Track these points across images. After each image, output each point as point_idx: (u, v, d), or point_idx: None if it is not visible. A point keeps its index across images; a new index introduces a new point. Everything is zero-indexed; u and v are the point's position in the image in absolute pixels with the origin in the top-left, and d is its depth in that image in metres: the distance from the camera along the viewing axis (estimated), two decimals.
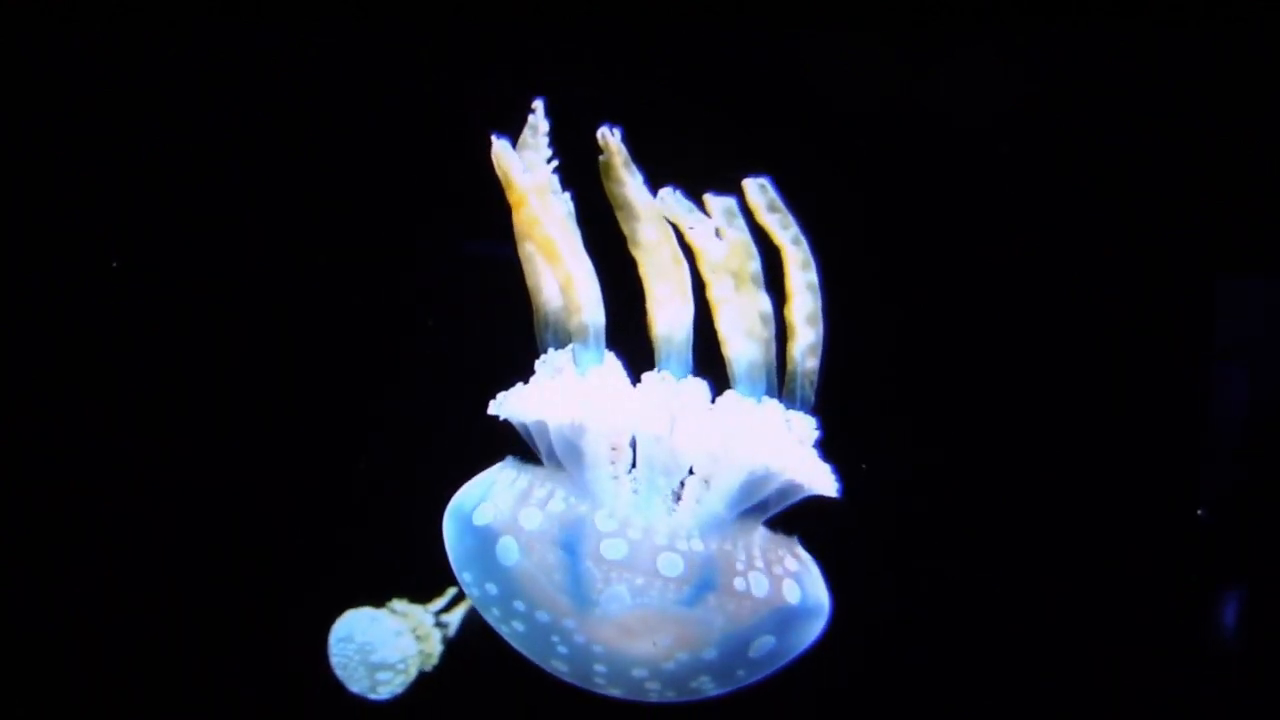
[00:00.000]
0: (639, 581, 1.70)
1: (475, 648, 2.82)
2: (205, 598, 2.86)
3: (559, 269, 1.76)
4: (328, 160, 2.68)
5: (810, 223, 1.82)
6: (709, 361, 1.79)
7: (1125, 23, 2.49)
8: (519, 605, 1.78)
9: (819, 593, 1.83)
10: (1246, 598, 2.70)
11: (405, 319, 2.77)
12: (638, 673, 1.79)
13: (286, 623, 2.85)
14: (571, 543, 1.70)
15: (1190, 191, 2.59)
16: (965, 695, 2.74)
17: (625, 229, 1.69)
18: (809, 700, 2.51)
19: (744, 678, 1.84)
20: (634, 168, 1.68)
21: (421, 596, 2.90)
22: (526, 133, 1.81)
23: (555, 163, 1.83)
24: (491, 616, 1.85)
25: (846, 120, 2.46)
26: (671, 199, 1.71)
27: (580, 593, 1.72)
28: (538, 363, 1.85)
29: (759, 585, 1.74)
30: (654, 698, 1.83)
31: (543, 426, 1.77)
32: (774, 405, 1.78)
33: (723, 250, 1.71)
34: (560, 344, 1.85)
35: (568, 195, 1.85)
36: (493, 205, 1.84)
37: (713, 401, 1.77)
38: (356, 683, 2.82)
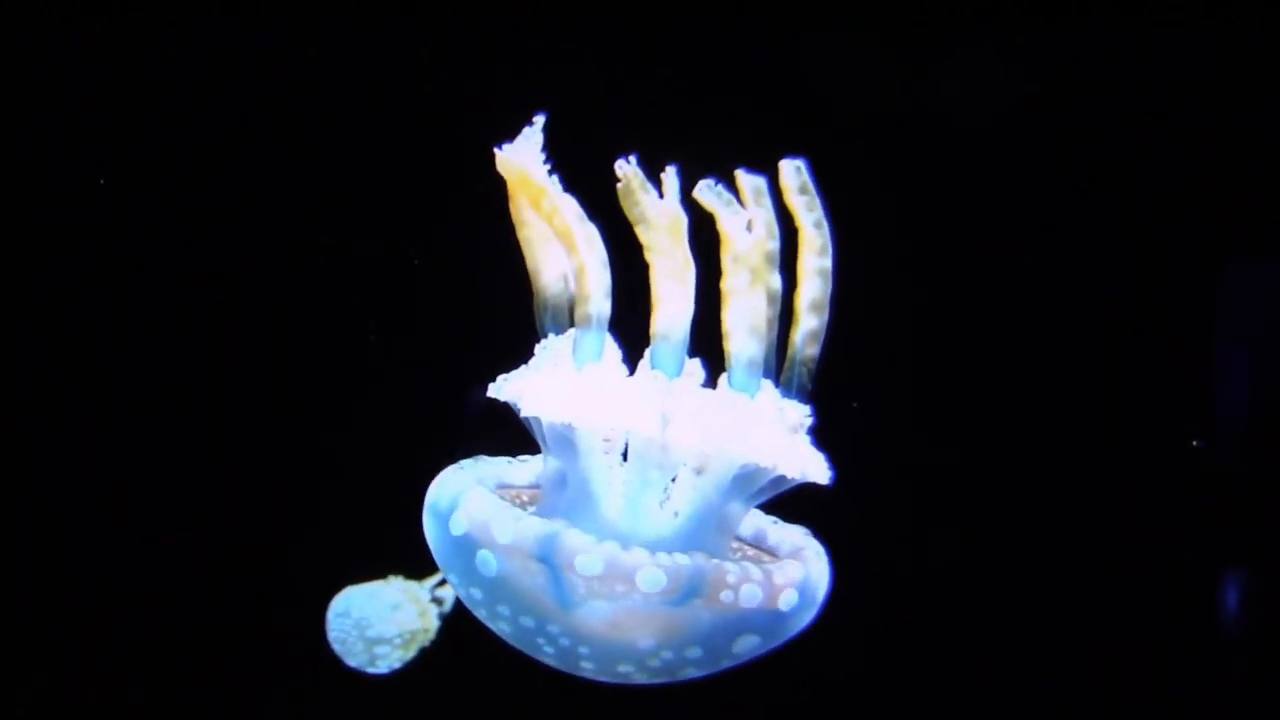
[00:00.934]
0: (619, 589, 1.70)
1: (472, 622, 2.84)
2: (203, 574, 2.87)
3: (575, 257, 1.76)
4: (325, 157, 2.67)
5: None
6: (706, 342, 1.78)
7: (1125, 23, 2.49)
8: (503, 610, 1.78)
9: (815, 593, 1.84)
10: (1250, 583, 2.72)
11: (401, 299, 2.78)
12: (624, 668, 1.79)
13: (284, 599, 2.86)
14: (548, 556, 1.70)
15: (1191, 179, 2.59)
16: (958, 679, 2.77)
17: (644, 238, 1.69)
18: (796, 677, 2.52)
19: (730, 666, 1.85)
20: (650, 186, 1.67)
21: (418, 572, 2.91)
22: (522, 140, 1.81)
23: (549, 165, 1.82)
24: (479, 615, 1.85)
25: (846, 120, 2.46)
26: (710, 192, 1.70)
27: (564, 600, 1.72)
28: (538, 347, 1.85)
29: (750, 596, 1.75)
30: (641, 682, 1.84)
31: (538, 417, 1.78)
32: (768, 394, 1.78)
33: (748, 243, 1.70)
34: (558, 328, 1.85)
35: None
36: (485, 199, 1.84)
37: (710, 385, 1.78)
38: (354, 657, 2.84)
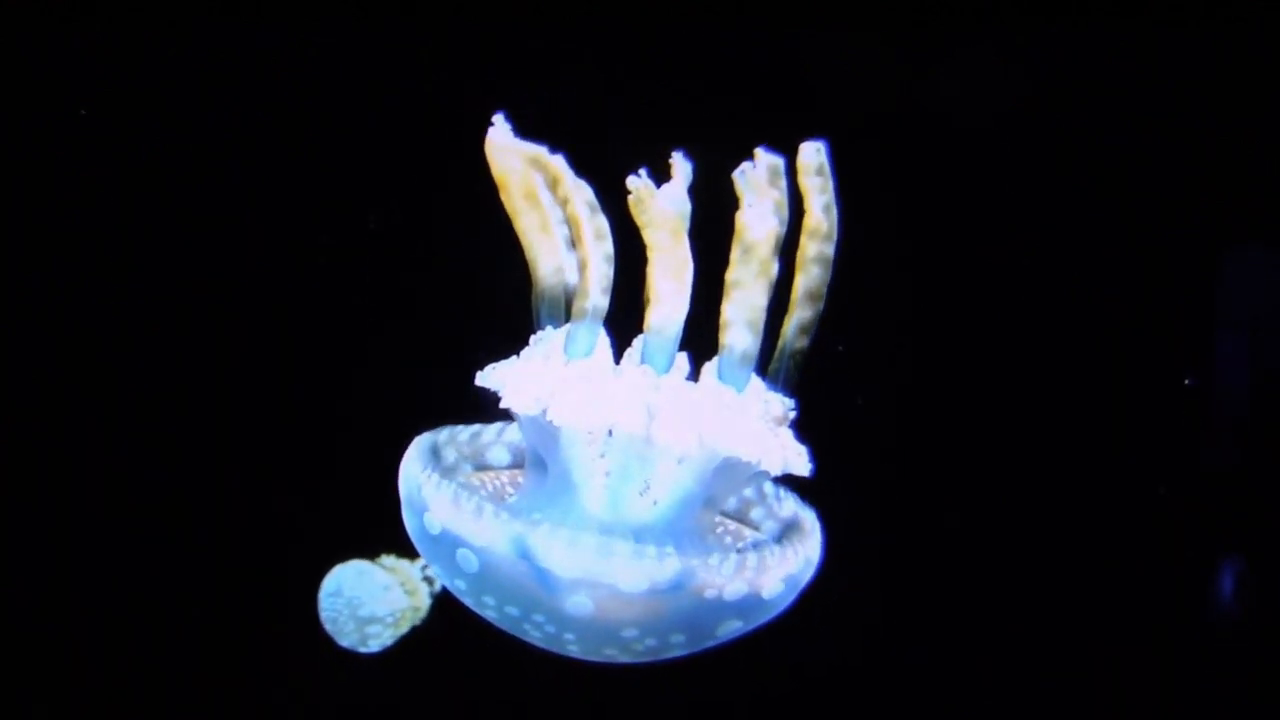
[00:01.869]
0: (602, 585, 1.71)
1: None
2: (192, 558, 2.87)
3: (581, 250, 1.76)
4: (323, 156, 2.67)
5: None
6: (695, 326, 1.78)
7: (1125, 23, 2.48)
8: (489, 600, 1.79)
9: (795, 577, 1.84)
10: (1247, 569, 2.73)
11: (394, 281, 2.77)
12: (609, 651, 1.81)
13: (275, 579, 2.86)
14: (526, 555, 1.70)
15: (1189, 173, 2.60)
16: (948, 669, 2.79)
17: (648, 238, 1.68)
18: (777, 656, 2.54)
19: (713, 646, 1.86)
20: (657, 193, 1.66)
21: (409, 551, 2.91)
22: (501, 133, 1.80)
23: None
24: (465, 602, 1.86)
25: (847, 120, 2.45)
26: (746, 175, 1.69)
27: (548, 590, 1.73)
28: (533, 338, 1.85)
29: (733, 588, 1.75)
30: (627, 662, 1.85)
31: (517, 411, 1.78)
32: (755, 388, 1.78)
33: (763, 236, 1.70)
34: (554, 320, 1.85)
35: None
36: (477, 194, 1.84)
37: (694, 374, 1.77)
38: (346, 637, 2.84)
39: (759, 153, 1.74)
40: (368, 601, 2.80)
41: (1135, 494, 2.71)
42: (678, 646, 1.80)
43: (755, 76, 2.52)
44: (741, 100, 2.52)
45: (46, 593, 2.88)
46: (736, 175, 1.68)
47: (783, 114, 2.46)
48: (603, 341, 1.78)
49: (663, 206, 1.63)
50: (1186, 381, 2.67)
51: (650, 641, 1.77)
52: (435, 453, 1.94)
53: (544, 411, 1.70)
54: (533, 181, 1.79)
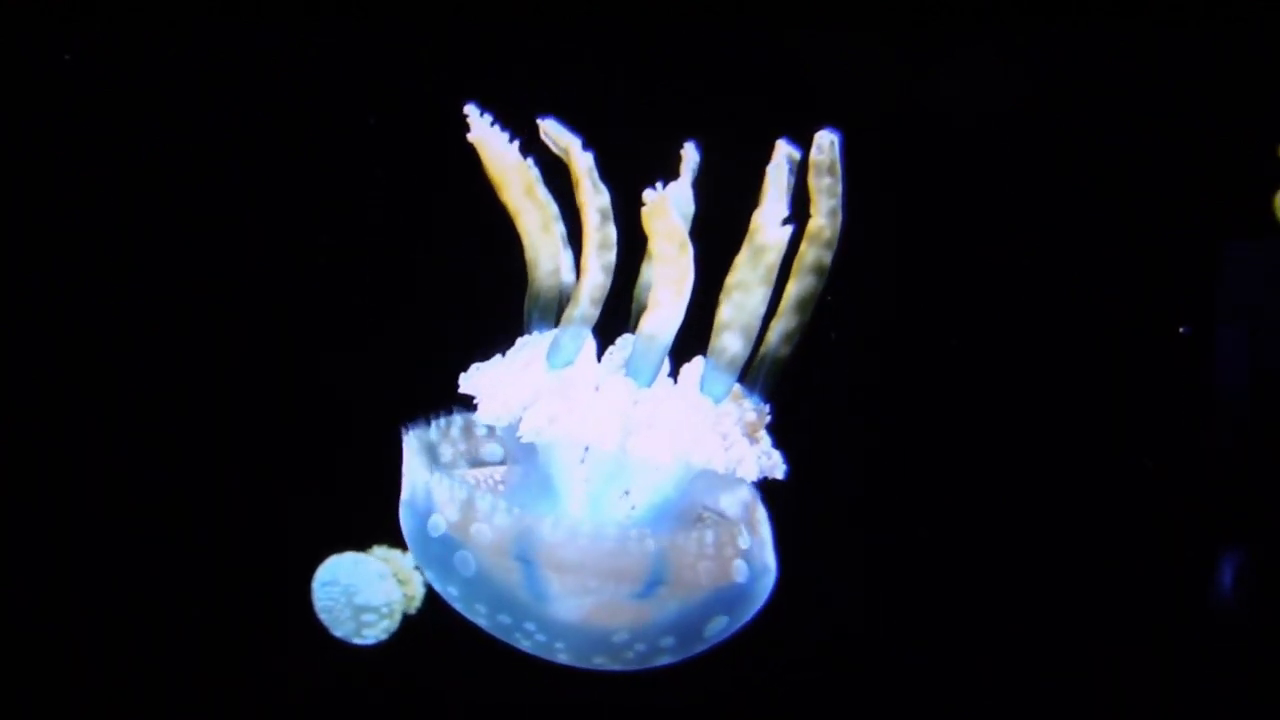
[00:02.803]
0: (592, 584, 1.71)
1: None
2: (185, 550, 2.87)
3: (584, 257, 1.75)
4: (321, 155, 2.66)
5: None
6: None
7: (1125, 23, 2.48)
8: (480, 608, 1.79)
9: (766, 562, 1.85)
10: (1250, 564, 2.74)
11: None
12: (599, 659, 1.81)
13: (267, 573, 2.87)
14: (525, 553, 1.70)
15: (1189, 169, 2.59)
16: (933, 666, 2.80)
17: (654, 247, 1.66)
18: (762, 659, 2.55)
19: (701, 649, 1.87)
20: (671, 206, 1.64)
21: (403, 543, 2.91)
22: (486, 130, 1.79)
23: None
24: (456, 609, 1.86)
25: (846, 120, 2.44)
26: (778, 171, 1.66)
27: (539, 596, 1.73)
28: (519, 340, 1.84)
29: (708, 573, 1.75)
30: (617, 670, 1.85)
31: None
32: (734, 395, 1.77)
33: (775, 240, 1.68)
34: (545, 324, 1.84)
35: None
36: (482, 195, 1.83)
37: (674, 371, 1.77)
38: (341, 626, 2.84)
39: (780, 145, 1.72)
40: (363, 589, 2.81)
41: (1134, 491, 2.72)
42: (667, 650, 1.81)
43: (755, 76, 2.52)
44: (741, 100, 2.51)
45: (41, 587, 2.88)
46: (771, 170, 1.65)
47: (782, 114, 2.45)
48: (588, 347, 1.77)
49: (675, 221, 1.62)
50: (1181, 330, 2.66)
51: (640, 646, 1.77)
52: (432, 451, 1.94)
53: (522, 431, 1.70)
54: (532, 177, 1.77)
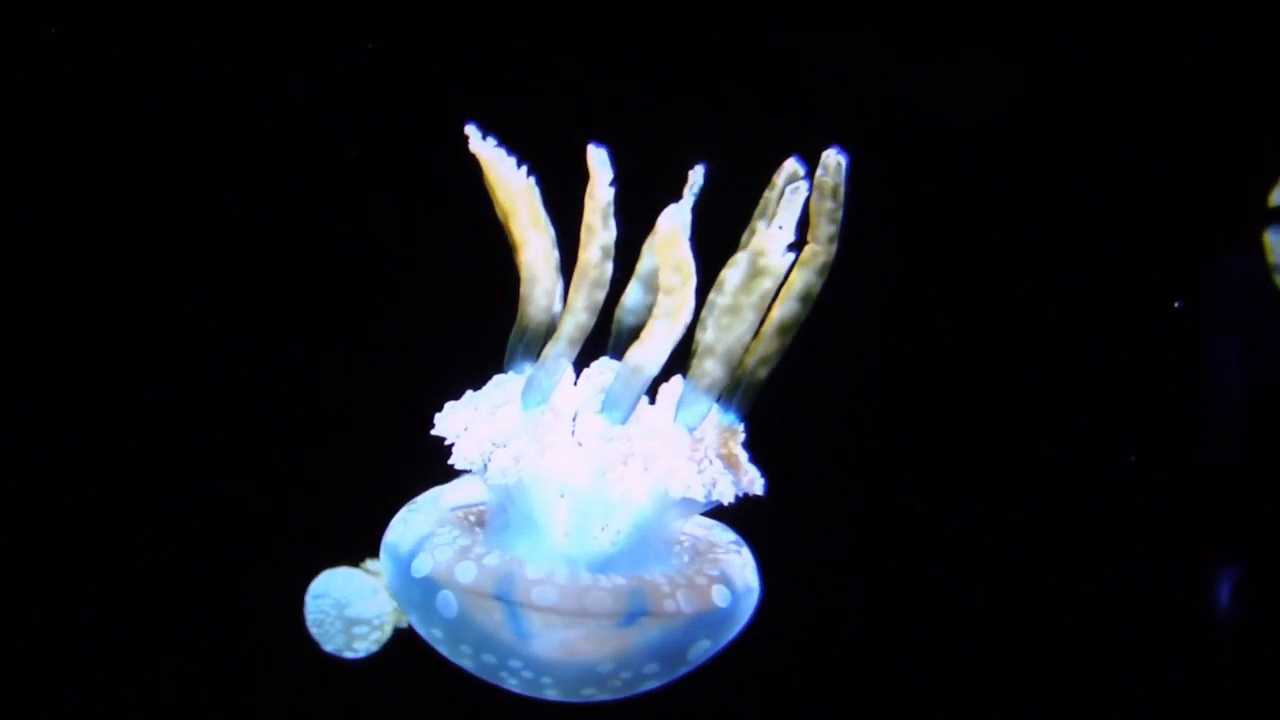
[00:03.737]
0: (573, 619, 1.70)
1: None
2: (178, 561, 2.86)
3: (573, 295, 1.71)
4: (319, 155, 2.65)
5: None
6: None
7: (1124, 23, 2.49)
8: (465, 648, 1.78)
9: (749, 583, 1.83)
10: (1244, 575, 2.74)
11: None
12: (587, 691, 1.80)
13: (258, 587, 2.86)
14: (506, 594, 1.69)
15: (1186, 175, 2.60)
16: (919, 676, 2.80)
17: (661, 278, 1.62)
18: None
19: (685, 672, 1.85)
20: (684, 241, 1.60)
21: None
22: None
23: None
24: (441, 651, 1.84)
25: (846, 120, 2.45)
26: (795, 194, 1.61)
27: (522, 635, 1.71)
28: (495, 378, 1.81)
29: (688, 602, 1.74)
30: (606, 699, 1.84)
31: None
32: (709, 420, 1.75)
33: (779, 265, 1.64)
34: (528, 353, 1.80)
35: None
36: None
37: (650, 393, 1.74)
38: (332, 640, 2.83)
39: (790, 163, 1.70)
40: (355, 602, 2.81)
41: (1128, 497, 2.72)
42: (652, 676, 1.79)
43: (754, 77, 2.52)
44: (740, 100, 2.51)
45: (33, 595, 2.87)
46: (788, 191, 1.61)
47: (783, 114, 2.46)
48: (565, 382, 1.75)
49: (686, 253, 1.57)
50: (1176, 304, 2.65)
51: (626, 675, 1.76)
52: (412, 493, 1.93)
53: (492, 476, 1.68)
54: (539, 204, 1.72)
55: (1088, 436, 2.72)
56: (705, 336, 1.70)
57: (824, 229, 1.70)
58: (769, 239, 1.60)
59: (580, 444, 1.69)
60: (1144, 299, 2.65)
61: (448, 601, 1.71)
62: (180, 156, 2.70)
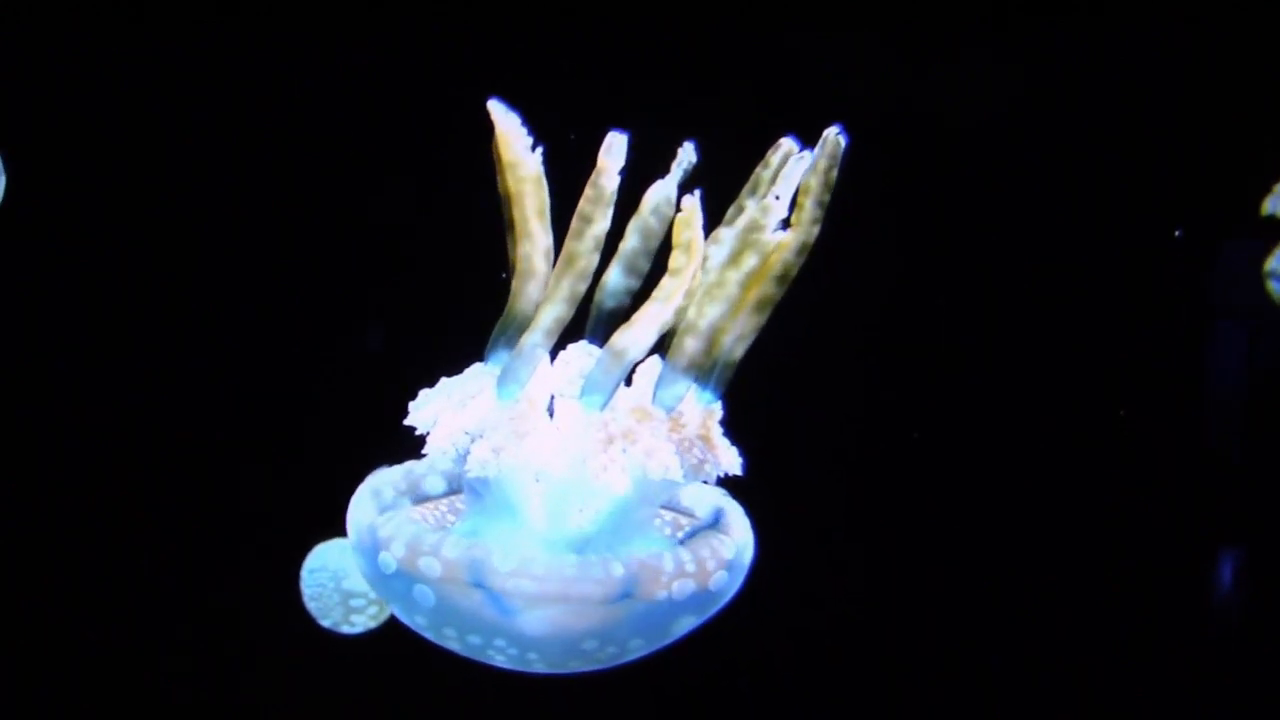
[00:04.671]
0: (556, 599, 1.70)
1: None
2: (172, 546, 2.87)
3: (555, 285, 1.71)
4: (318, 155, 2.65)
5: None
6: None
7: (1124, 23, 2.48)
8: (450, 631, 1.78)
9: (733, 560, 1.83)
10: (1246, 563, 2.75)
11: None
12: (574, 664, 1.81)
13: (252, 567, 2.87)
14: (481, 581, 1.69)
15: (1186, 168, 2.60)
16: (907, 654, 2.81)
17: (673, 260, 1.61)
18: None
19: (669, 643, 1.86)
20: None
21: None
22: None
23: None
24: (426, 636, 1.85)
25: (846, 120, 2.43)
26: (797, 168, 1.60)
27: (504, 611, 1.72)
28: (471, 368, 1.81)
29: (682, 589, 1.75)
30: (592, 669, 1.85)
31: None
32: (688, 400, 1.75)
33: (773, 239, 1.62)
34: (509, 345, 1.80)
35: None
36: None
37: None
38: (329, 614, 2.85)
39: (785, 142, 1.68)
40: (351, 574, 2.82)
41: (1132, 488, 2.72)
42: (637, 649, 1.80)
43: (754, 76, 2.51)
44: (742, 100, 2.50)
45: (26, 582, 2.88)
46: (792, 161, 1.60)
47: (783, 114, 2.44)
48: (541, 370, 1.74)
49: (701, 237, 1.56)
50: (1176, 233, 2.66)
51: (611, 649, 1.77)
52: (376, 494, 1.92)
53: (468, 467, 1.67)
54: (546, 196, 1.71)
55: (1090, 426, 2.73)
56: (688, 314, 1.68)
57: (811, 210, 1.67)
58: (763, 210, 1.58)
59: (558, 430, 1.69)
60: (1144, 292, 2.65)
61: (424, 593, 1.72)
62: (169, 149, 2.71)
